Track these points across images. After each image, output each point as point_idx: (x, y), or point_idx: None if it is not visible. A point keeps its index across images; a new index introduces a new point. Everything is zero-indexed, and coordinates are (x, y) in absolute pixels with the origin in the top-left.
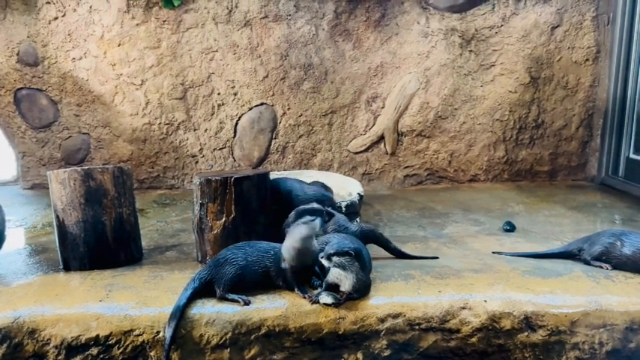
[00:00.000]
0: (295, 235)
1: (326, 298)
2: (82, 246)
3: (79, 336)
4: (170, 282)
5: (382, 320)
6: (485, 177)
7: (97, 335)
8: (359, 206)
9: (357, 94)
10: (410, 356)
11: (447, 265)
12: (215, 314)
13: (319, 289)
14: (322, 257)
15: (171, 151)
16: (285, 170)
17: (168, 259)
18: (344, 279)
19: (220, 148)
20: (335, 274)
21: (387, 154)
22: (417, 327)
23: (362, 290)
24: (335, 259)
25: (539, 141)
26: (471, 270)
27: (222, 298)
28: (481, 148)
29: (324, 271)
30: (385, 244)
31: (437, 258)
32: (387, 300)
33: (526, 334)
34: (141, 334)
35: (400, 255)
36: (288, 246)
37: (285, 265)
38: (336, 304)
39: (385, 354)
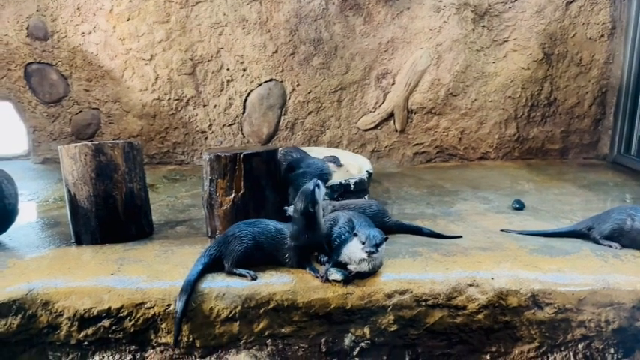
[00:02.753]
0: (304, 192)
1: (335, 274)
2: (93, 220)
3: (92, 308)
4: (180, 256)
5: (389, 296)
6: (495, 155)
7: (109, 307)
8: (368, 184)
9: (367, 71)
10: (416, 331)
11: (454, 242)
12: (225, 288)
13: (327, 265)
14: (368, 249)
15: (181, 126)
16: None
17: (178, 234)
18: (369, 261)
19: (229, 125)
20: (351, 254)
21: (397, 131)
22: (423, 303)
23: (377, 269)
24: (381, 247)
25: (551, 119)
26: (479, 248)
27: (230, 273)
28: (492, 125)
29: (332, 247)
30: (413, 228)
31: (460, 237)
32: (395, 276)
33: (532, 311)
34: (152, 307)
35: (420, 232)
36: (297, 208)
37: (292, 242)
38: (345, 281)
39: (392, 329)
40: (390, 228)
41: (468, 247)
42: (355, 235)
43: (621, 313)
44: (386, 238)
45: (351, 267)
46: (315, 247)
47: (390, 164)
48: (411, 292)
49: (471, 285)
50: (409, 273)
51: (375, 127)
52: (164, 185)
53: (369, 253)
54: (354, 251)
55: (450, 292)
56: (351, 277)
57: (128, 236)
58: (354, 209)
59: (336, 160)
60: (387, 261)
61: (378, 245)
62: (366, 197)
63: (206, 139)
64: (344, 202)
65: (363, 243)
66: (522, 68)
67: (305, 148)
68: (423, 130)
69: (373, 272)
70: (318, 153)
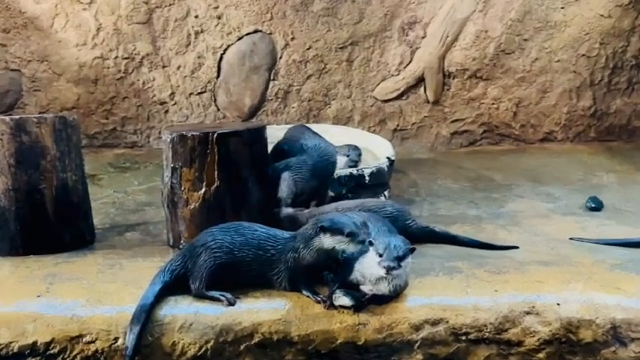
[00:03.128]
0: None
1: (343, 298)
2: (12, 223)
3: (11, 343)
4: (132, 273)
5: (417, 328)
6: (563, 135)
7: (35, 342)
8: (388, 175)
9: (388, 19)
10: None
11: (506, 255)
12: (192, 316)
13: (332, 286)
14: (387, 263)
15: (133, 95)
16: (287, 124)
17: (129, 243)
18: (388, 280)
19: (199, 93)
20: (365, 271)
21: (429, 102)
22: (464, 337)
23: (400, 290)
24: (404, 262)
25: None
26: (540, 262)
27: (199, 296)
28: (559, 95)
29: (338, 262)
30: (447, 236)
31: (516, 248)
32: (425, 301)
33: (613, 349)
34: (93, 342)
35: (457, 241)
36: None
37: (293, 256)
38: (357, 307)
39: None
40: (413, 235)
41: (524, 262)
42: (370, 244)
43: None
44: (412, 250)
45: (364, 288)
46: (328, 269)
47: (419, 148)
48: (447, 322)
49: (528, 313)
50: (444, 297)
51: (399, 97)
52: (110, 176)
53: (389, 270)
54: (368, 267)
55: (501, 322)
56: (365, 302)
57: (61, 245)
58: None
59: (352, 153)
60: (413, 280)
61: (400, 259)
62: (385, 194)
63: (167, 112)
64: (337, 204)
65: (381, 256)
66: (601, 16)
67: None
68: (465, 100)
69: (395, 295)
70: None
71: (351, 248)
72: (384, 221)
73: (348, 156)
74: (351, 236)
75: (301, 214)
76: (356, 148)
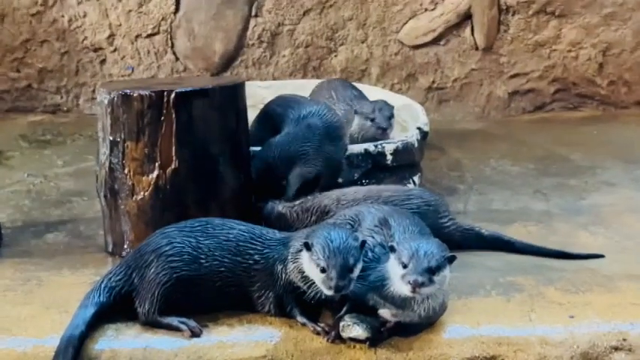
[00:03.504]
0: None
1: (355, 327)
2: None
3: None
4: (55, 291)
5: None
6: None
7: None
8: (419, 153)
9: None
10: None
11: (587, 267)
12: (141, 352)
13: (340, 312)
14: (413, 278)
15: (55, 39)
16: (275, 80)
17: (50, 248)
18: (417, 302)
19: (149, 35)
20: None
21: (478, 49)
22: None
23: (435, 316)
24: (440, 275)
25: None
26: (635, 277)
27: (151, 323)
28: None
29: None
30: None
31: (602, 257)
32: (471, 331)
33: None
34: None
35: (515, 249)
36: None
37: (284, 268)
38: (373, 340)
39: None
40: (451, 239)
41: (612, 276)
42: (392, 250)
43: None
44: (452, 259)
45: (384, 313)
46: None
47: (464, 114)
48: None
49: (618, 349)
50: (498, 325)
51: (435, 41)
52: (22, 153)
53: (415, 286)
54: (389, 282)
55: None
56: (385, 334)
57: None
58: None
59: (379, 114)
60: (454, 302)
61: (433, 271)
62: (414, 180)
63: (103, 62)
64: (340, 192)
65: (405, 267)
66: None
67: (293, 83)
68: (529, 46)
69: (427, 324)
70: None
71: (324, 288)
72: (413, 218)
73: (372, 120)
74: (324, 272)
75: (291, 210)
76: (385, 105)
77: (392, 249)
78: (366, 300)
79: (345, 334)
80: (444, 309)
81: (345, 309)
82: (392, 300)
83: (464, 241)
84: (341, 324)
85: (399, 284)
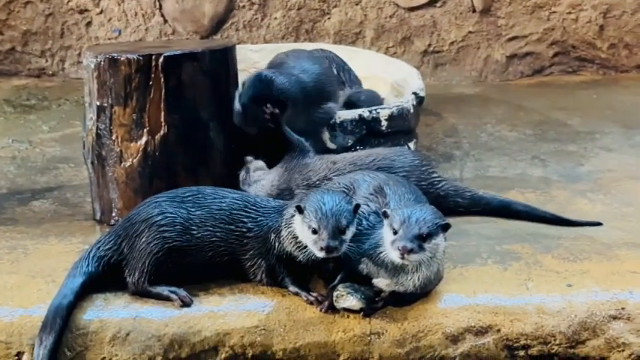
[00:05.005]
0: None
1: (349, 297)
2: None
3: None
4: (41, 260)
5: (455, 339)
6: None
7: None
8: (415, 119)
9: None
10: None
11: (585, 234)
12: (130, 322)
13: (334, 281)
14: (402, 243)
15: (38, 0)
16: (267, 43)
17: (36, 216)
18: (409, 271)
19: None
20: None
21: (475, 11)
22: (522, 353)
23: (430, 285)
24: (432, 243)
25: None
26: (634, 245)
27: (141, 293)
28: None
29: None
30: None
31: (600, 224)
32: (466, 300)
33: None
34: None
35: (513, 212)
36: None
37: (277, 237)
38: (368, 310)
39: None
40: (444, 201)
41: (611, 244)
42: (385, 216)
43: None
44: (445, 226)
45: (378, 282)
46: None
47: (461, 78)
48: (498, 331)
49: (616, 318)
50: (494, 294)
51: (431, 3)
52: (6, 118)
53: (404, 252)
54: (383, 250)
55: (576, 331)
56: (380, 304)
57: None
58: (361, 167)
59: (368, 98)
60: (450, 271)
61: (424, 238)
62: (409, 146)
63: (89, 24)
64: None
65: (395, 233)
66: None
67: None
68: (527, 8)
69: (422, 293)
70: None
71: (315, 250)
72: (410, 186)
73: (356, 100)
74: (316, 233)
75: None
76: (373, 95)
77: (385, 215)
78: (360, 269)
79: (338, 305)
80: (439, 278)
81: (338, 278)
82: (385, 268)
83: (461, 204)
84: (334, 294)
85: (390, 250)
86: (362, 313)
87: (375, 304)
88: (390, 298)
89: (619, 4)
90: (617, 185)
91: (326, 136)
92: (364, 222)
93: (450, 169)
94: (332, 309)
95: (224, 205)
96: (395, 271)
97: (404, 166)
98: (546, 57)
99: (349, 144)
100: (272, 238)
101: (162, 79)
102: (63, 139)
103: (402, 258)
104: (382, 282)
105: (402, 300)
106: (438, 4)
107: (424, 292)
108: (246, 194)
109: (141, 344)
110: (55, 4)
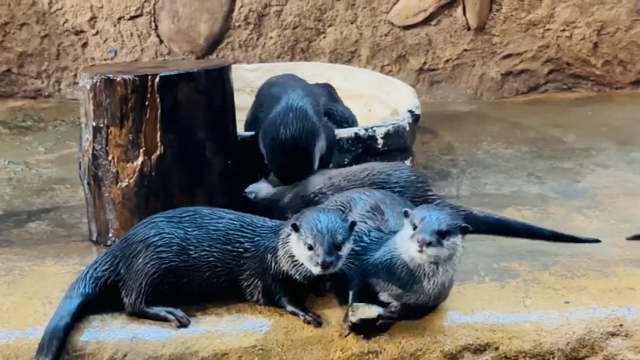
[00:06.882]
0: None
1: (365, 309)
2: None
3: None
4: (38, 281)
5: (453, 357)
6: None
7: None
8: (411, 136)
9: None
10: None
11: (583, 251)
12: (127, 343)
13: (350, 303)
14: (422, 236)
15: (35, 21)
16: (262, 62)
17: (33, 237)
18: (429, 271)
19: (132, 17)
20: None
21: (469, 29)
22: None
23: (444, 293)
24: (450, 241)
25: None
26: (631, 261)
27: (138, 314)
28: None
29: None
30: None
31: (598, 241)
32: (464, 318)
33: None
34: None
35: (510, 229)
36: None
37: (273, 257)
38: (385, 316)
39: None
40: None
41: (608, 261)
42: (406, 215)
43: None
44: (464, 228)
45: (386, 298)
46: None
47: (457, 96)
48: (496, 349)
49: (614, 335)
50: (492, 312)
51: (427, 22)
52: (2, 139)
53: (423, 244)
54: (397, 255)
55: (574, 348)
56: (395, 315)
57: None
58: (354, 183)
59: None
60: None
61: (443, 234)
62: (407, 162)
63: (85, 45)
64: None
65: (415, 228)
66: None
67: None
68: (522, 26)
69: (433, 306)
70: (312, 75)
71: (311, 266)
72: (406, 204)
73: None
74: (312, 250)
75: (281, 194)
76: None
77: (406, 214)
78: (369, 282)
79: (354, 318)
80: (450, 286)
81: (350, 298)
82: (398, 278)
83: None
84: (349, 309)
85: (408, 245)
86: (379, 321)
87: (391, 314)
88: (402, 311)
89: (613, 21)
90: (613, 202)
91: None
92: (365, 238)
93: (447, 187)
94: (351, 330)
95: (221, 225)
96: (409, 277)
97: (399, 182)
98: (541, 74)
99: (345, 162)
100: (268, 258)
101: (158, 100)
102: (59, 160)
103: (421, 251)
104: (392, 295)
105: (413, 313)
106: (433, 23)
107: (434, 305)
108: (243, 214)
109: None
110: (50, 26)
